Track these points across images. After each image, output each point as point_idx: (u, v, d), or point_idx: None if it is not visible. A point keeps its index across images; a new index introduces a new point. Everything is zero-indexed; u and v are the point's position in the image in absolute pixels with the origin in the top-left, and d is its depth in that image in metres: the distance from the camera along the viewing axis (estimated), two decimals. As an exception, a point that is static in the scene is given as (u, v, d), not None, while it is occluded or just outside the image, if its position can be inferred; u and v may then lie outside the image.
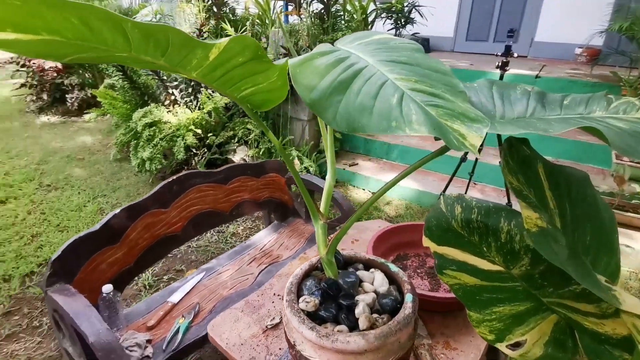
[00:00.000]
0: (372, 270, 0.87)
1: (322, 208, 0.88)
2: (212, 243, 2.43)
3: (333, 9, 3.46)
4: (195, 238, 2.46)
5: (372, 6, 3.94)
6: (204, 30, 3.27)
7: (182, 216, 1.52)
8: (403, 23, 3.81)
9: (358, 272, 0.84)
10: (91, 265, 1.26)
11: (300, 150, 3.25)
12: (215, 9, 4.23)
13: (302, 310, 0.74)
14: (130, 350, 1.18)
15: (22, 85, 4.78)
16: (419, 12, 3.85)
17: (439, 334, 0.97)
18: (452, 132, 0.52)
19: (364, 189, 3.13)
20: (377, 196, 0.80)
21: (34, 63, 4.70)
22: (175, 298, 1.44)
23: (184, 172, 1.52)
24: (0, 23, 0.39)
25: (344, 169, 3.20)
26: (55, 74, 4.78)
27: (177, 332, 1.28)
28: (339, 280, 0.80)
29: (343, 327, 0.71)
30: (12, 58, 4.62)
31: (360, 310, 0.73)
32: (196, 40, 0.50)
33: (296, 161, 3.15)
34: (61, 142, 3.97)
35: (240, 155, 3.16)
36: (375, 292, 0.80)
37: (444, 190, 2.17)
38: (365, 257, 0.90)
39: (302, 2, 3.20)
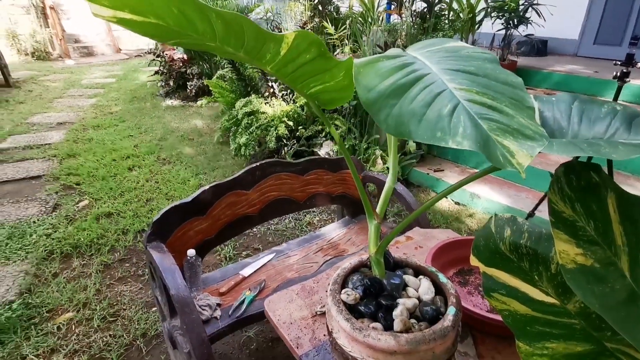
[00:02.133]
0: (420, 277, 0.86)
1: (378, 208, 0.90)
2: (288, 229, 2.59)
3: (437, 8, 3.34)
4: (275, 222, 2.65)
5: (482, 4, 3.69)
6: (306, 28, 3.44)
7: (260, 199, 1.67)
8: (515, 23, 3.48)
9: (405, 277, 0.84)
10: (181, 230, 1.47)
11: (385, 150, 3.23)
12: (320, 8, 4.41)
13: (343, 302, 0.78)
14: (203, 309, 1.36)
15: (156, 72, 5.63)
16: (536, 11, 3.48)
17: (489, 357, 0.92)
18: (500, 149, 0.51)
19: (447, 198, 2.99)
20: (435, 199, 0.79)
21: (166, 54, 5.50)
22: (246, 272, 1.60)
23: (266, 160, 1.66)
24: (121, 5, 0.51)
25: (428, 174, 3.10)
26: (181, 64, 5.51)
27: (242, 302, 1.42)
28: (383, 280, 0.82)
29: (378, 325, 0.73)
30: (150, 49, 5.47)
31: (398, 313, 0.74)
32: (267, 32, 0.56)
33: (379, 160, 3.15)
34: (178, 123, 4.59)
35: (325, 150, 3.28)
36: (418, 298, 0.80)
37: (533, 210, 1.97)
38: (417, 263, 0.89)
39: (404, 0, 3.15)
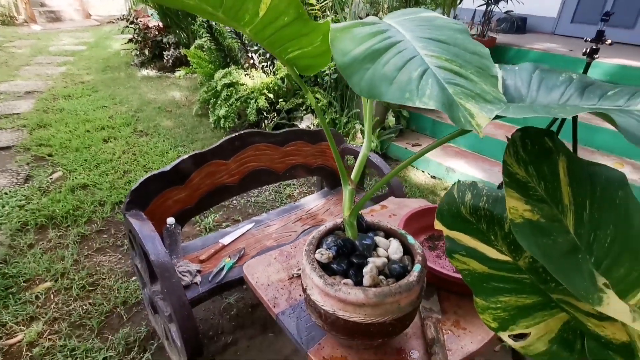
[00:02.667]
0: (391, 239, 0.92)
1: (353, 174, 0.94)
2: (268, 201, 2.62)
3: (419, -19, 3.30)
4: (255, 194, 2.67)
5: (465, -22, 3.66)
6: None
7: (239, 170, 1.68)
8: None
9: (376, 238, 0.89)
10: (160, 199, 1.47)
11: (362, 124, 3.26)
12: (302, -24, 4.27)
13: (317, 260, 0.82)
14: (183, 275, 1.39)
15: (130, 40, 5.39)
16: (515, -12, 3.50)
17: (452, 312, 0.99)
18: (462, 111, 0.54)
19: (423, 171, 3.07)
20: (402, 165, 0.83)
21: (140, 21, 5.25)
22: (226, 240, 1.63)
23: (246, 130, 1.66)
24: None
25: (406, 149, 3.16)
26: (156, 32, 5.29)
27: (222, 268, 1.46)
28: (356, 241, 0.87)
29: (349, 281, 0.78)
30: (123, 15, 5.21)
31: (368, 269, 0.79)
32: None
33: (359, 134, 3.18)
34: (155, 94, 4.46)
35: (306, 123, 3.28)
36: (388, 257, 0.86)
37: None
38: (388, 226, 0.94)
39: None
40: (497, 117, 0.61)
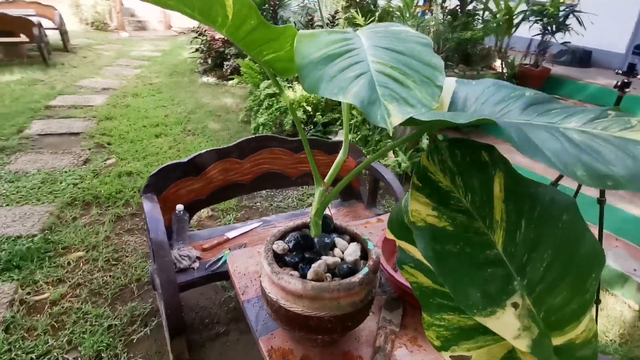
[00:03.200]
0: (355, 243, 0.94)
1: (327, 177, 0.98)
2: (290, 207, 2.71)
3: (470, 7, 3.28)
4: (279, 199, 2.77)
5: (522, 6, 3.57)
6: (336, 17, 3.50)
7: (253, 170, 1.78)
8: (553, 29, 3.35)
9: (336, 239, 0.92)
10: (175, 187, 1.61)
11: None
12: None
13: (273, 251, 0.87)
14: (182, 258, 1.50)
15: (196, 50, 5.89)
16: (577, 19, 3.33)
17: (412, 328, 0.98)
18: (382, 110, 0.58)
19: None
20: (364, 165, 0.87)
21: (207, 33, 5.74)
22: (231, 234, 1.73)
23: (263, 134, 1.77)
24: None
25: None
26: (220, 44, 5.74)
27: (220, 259, 1.55)
28: (315, 239, 0.90)
29: (295, 272, 0.82)
30: (194, 27, 5.72)
31: (316, 265, 0.82)
32: None
33: (390, 153, 3.18)
34: (210, 99, 4.82)
35: (339, 138, 3.35)
36: (342, 259, 0.88)
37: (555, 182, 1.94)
38: (354, 231, 0.97)
39: (435, -3, 3.13)
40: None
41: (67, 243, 2.14)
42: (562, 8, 3.28)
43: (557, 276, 0.63)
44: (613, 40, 4.03)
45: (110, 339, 1.61)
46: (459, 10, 3.21)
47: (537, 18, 3.37)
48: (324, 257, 0.86)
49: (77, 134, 3.54)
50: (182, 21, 10.42)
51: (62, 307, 1.74)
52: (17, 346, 1.54)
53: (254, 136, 1.74)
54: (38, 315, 1.70)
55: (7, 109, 3.92)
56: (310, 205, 2.76)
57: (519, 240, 0.63)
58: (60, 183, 2.69)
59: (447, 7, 3.25)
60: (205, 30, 5.69)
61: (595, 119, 0.56)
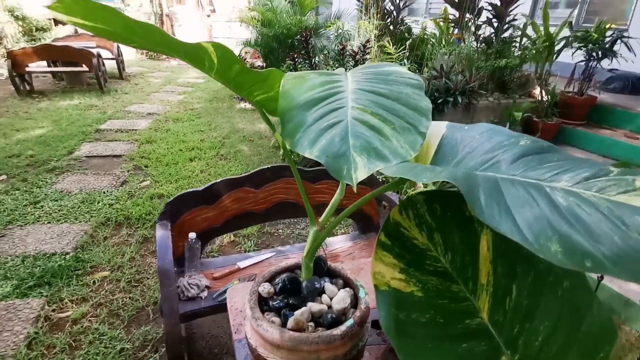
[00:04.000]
0: (347, 289, 0.89)
1: (323, 216, 0.95)
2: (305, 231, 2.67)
3: (506, 34, 3.18)
4: (301, 227, 2.75)
5: (565, 32, 3.40)
6: (368, 46, 3.53)
7: (267, 199, 1.78)
8: (599, 56, 3.15)
9: (325, 284, 0.87)
10: (190, 215, 1.65)
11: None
12: (391, 27, 4.47)
13: (258, 293, 0.84)
14: (191, 287, 1.50)
15: (236, 77, 6.18)
16: (626, 45, 3.11)
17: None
18: (350, 162, 0.55)
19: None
20: (366, 199, 0.83)
21: (247, 61, 6.01)
22: (243, 264, 1.72)
23: (278, 164, 1.78)
24: (72, 13, 0.64)
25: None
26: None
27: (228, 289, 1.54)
28: (304, 282, 0.86)
29: (277, 319, 0.78)
30: (234, 56, 6.03)
31: (299, 313, 0.78)
32: (178, 41, 0.66)
33: (419, 184, 3.08)
34: (245, 125, 4.98)
35: (367, 166, 3.30)
36: (330, 306, 0.83)
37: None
38: (347, 275, 0.92)
39: (469, 24, 3.06)
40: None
41: (96, 262, 2.24)
42: (609, 33, 3.08)
43: (557, 353, 0.55)
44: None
45: (121, 363, 1.63)
46: (494, 37, 3.11)
47: (581, 44, 3.19)
48: (309, 304, 0.81)
49: (119, 156, 3.78)
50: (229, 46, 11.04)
51: (82, 327, 1.80)
52: (36, 363, 1.61)
53: (269, 166, 1.75)
54: (59, 333, 1.77)
55: (63, 132, 4.28)
56: (332, 234, 2.71)
57: (509, 307, 0.56)
58: (98, 203, 2.86)
59: (481, 34, 3.16)
60: (244, 59, 5.96)
61: (592, 177, 0.49)
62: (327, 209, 0.95)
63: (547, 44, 3.30)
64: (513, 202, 0.45)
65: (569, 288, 0.55)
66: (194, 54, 0.71)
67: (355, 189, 0.51)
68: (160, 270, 1.31)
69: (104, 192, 3.03)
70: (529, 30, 3.40)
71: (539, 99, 3.43)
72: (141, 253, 2.37)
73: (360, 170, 0.53)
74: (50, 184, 3.13)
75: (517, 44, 3.30)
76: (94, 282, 2.10)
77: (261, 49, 5.64)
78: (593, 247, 0.39)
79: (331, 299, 0.85)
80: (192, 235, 1.58)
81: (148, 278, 2.16)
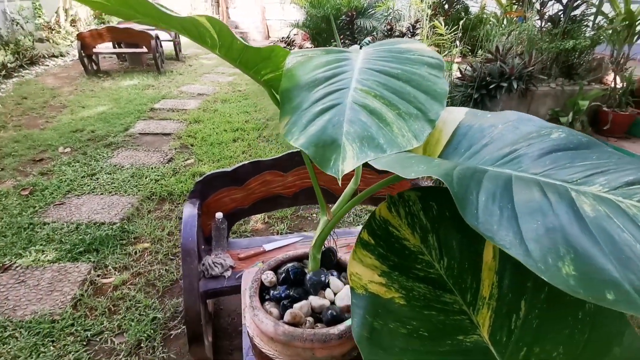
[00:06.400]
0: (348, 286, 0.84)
1: (335, 206, 0.90)
2: (346, 222, 2.63)
3: (578, 12, 2.82)
4: (330, 208, 2.71)
5: (651, 10, 2.94)
6: (416, 27, 3.33)
7: (296, 184, 1.76)
8: (694, 36, 2.69)
9: (330, 277, 0.83)
10: (219, 195, 1.67)
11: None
12: (446, 6, 4.18)
13: (260, 280, 0.82)
14: (215, 265, 1.53)
15: (284, 59, 6.18)
16: None
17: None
18: (339, 151, 0.49)
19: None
20: (358, 199, 0.77)
21: (296, 43, 5.97)
22: (268, 247, 1.72)
23: (308, 148, 1.74)
24: None
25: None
26: (306, 54, 5.93)
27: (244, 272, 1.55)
28: (309, 274, 0.83)
29: (275, 310, 0.76)
30: (282, 37, 6.00)
31: (298, 306, 0.75)
32: (173, 15, 0.63)
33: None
34: (290, 107, 4.99)
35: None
36: (332, 302, 0.79)
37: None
38: (357, 270, 0.86)
39: (533, 0, 2.75)
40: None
41: (139, 234, 2.38)
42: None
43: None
44: None
45: (152, 331, 1.72)
46: (562, 15, 2.77)
47: (670, 23, 2.75)
48: (311, 298, 0.77)
49: (168, 134, 3.96)
50: (280, 32, 11.08)
51: (121, 293, 1.93)
52: (79, 322, 1.75)
53: (297, 150, 1.71)
54: (101, 297, 1.91)
55: (121, 110, 4.57)
56: (358, 216, 2.64)
57: (515, 326, 0.48)
58: (145, 178, 3.02)
59: (545, 12, 2.84)
60: (293, 41, 5.93)
61: (638, 182, 0.39)
62: (340, 199, 0.90)
63: (627, 22, 2.88)
64: (522, 208, 0.37)
65: (593, 311, 0.46)
66: (192, 29, 0.67)
67: (339, 182, 0.46)
68: (183, 247, 1.34)
69: (152, 168, 3.19)
70: (606, 8, 2.99)
71: (612, 86, 3.03)
72: (180, 228, 2.47)
73: (348, 160, 0.47)
74: (107, 158, 3.36)
75: (590, 23, 2.92)
76: (135, 252, 2.23)
77: (310, 31, 5.57)
78: (620, 275, 0.30)
79: (335, 294, 0.80)
80: (219, 215, 1.60)
81: (184, 252, 2.25)
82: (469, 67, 2.82)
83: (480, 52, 3.14)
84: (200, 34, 0.68)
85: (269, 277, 0.82)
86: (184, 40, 8.45)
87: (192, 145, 3.70)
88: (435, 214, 0.49)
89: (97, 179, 3.02)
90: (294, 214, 2.68)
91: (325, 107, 0.56)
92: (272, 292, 0.80)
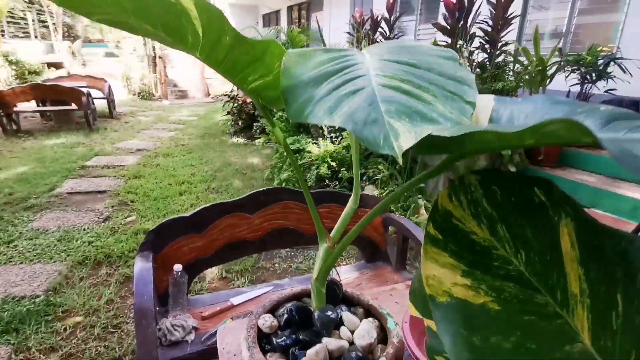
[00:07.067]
0: (370, 319, 0.70)
1: (333, 231, 0.79)
2: (311, 269, 2.46)
3: (499, 59, 3.18)
4: (299, 260, 2.54)
5: (556, 57, 3.43)
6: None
7: (263, 226, 1.60)
8: (593, 78, 3.15)
9: (343, 313, 0.69)
10: (176, 244, 1.45)
11: (430, 201, 3.00)
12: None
13: (257, 327, 0.66)
14: (175, 329, 1.28)
15: (228, 113, 6.14)
16: (620, 67, 3.12)
17: None
18: (386, 129, 0.40)
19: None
20: (376, 210, 0.67)
21: (240, 97, 6.00)
22: (236, 300, 1.50)
23: (274, 186, 1.62)
24: None
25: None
26: (251, 106, 5.96)
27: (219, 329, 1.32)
28: (315, 312, 0.68)
29: (284, 362, 0.59)
30: (226, 92, 6.03)
31: (313, 352, 0.59)
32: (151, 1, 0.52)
33: (422, 210, 2.92)
34: (237, 158, 4.86)
35: (367, 193, 3.15)
36: (351, 342, 0.64)
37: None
38: (369, 302, 0.74)
39: (461, 50, 3.07)
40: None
41: (68, 306, 1.99)
42: (601, 55, 3.11)
43: None
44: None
45: None
46: (488, 62, 3.11)
47: (574, 67, 3.20)
48: (325, 340, 0.63)
49: (103, 192, 3.58)
50: (221, 87, 11.20)
51: (46, 383, 1.53)
52: None
53: (264, 189, 1.59)
54: (18, 392, 1.49)
55: (46, 169, 4.09)
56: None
57: (617, 327, 0.39)
58: (76, 241, 2.62)
59: (474, 60, 3.16)
60: (237, 95, 5.96)
61: None
62: (338, 222, 0.79)
63: (540, 68, 3.31)
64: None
65: None
66: (172, 20, 0.57)
67: (400, 160, 0.36)
68: (137, 308, 1.10)
69: (84, 229, 2.80)
70: (521, 57, 3.42)
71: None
72: (121, 294, 2.12)
73: (404, 136, 0.38)
74: (27, 222, 2.90)
75: (511, 69, 3.31)
76: (65, 328, 1.84)
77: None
78: None
79: (352, 332, 0.66)
80: (178, 267, 1.38)
81: (127, 322, 1.90)
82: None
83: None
84: (179, 29, 0.58)
85: (267, 321, 0.66)
86: (119, 97, 8.13)
87: (132, 201, 3.36)
88: (499, 200, 0.40)
89: (16, 246, 2.55)
90: (255, 265, 2.46)
91: (350, 91, 0.47)
92: (274, 339, 0.63)
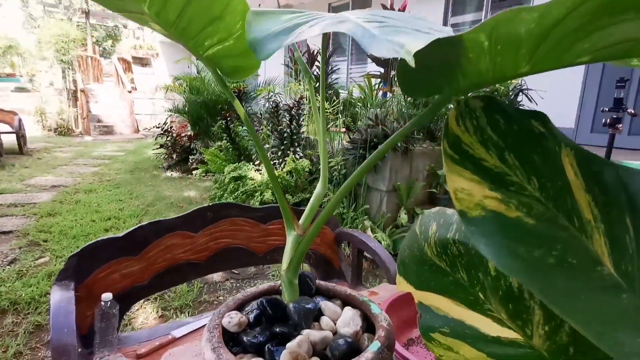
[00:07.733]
0: (347, 307, 0.62)
1: (302, 218, 0.71)
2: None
3: (428, 89, 3.45)
4: (239, 287, 2.35)
5: (474, 91, 3.81)
6: (301, 103, 3.55)
7: (209, 245, 1.45)
8: (507, 106, 3.54)
9: (322, 303, 0.60)
10: (105, 270, 1.24)
11: (375, 222, 3.03)
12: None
13: (223, 328, 0.54)
14: (103, 371, 1.06)
15: (161, 146, 5.80)
16: (527, 96, 3.57)
17: None
18: (388, 43, 0.36)
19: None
20: (342, 192, 0.61)
21: (174, 130, 5.74)
22: (178, 332, 1.30)
23: (221, 202, 1.49)
24: None
25: (421, 249, 2.83)
26: (186, 139, 5.71)
27: (160, 367, 1.11)
28: (289, 305, 0.59)
29: (259, 360, 0.49)
30: (158, 124, 5.72)
31: (294, 344, 0.50)
32: None
33: (368, 232, 2.93)
34: (172, 192, 4.54)
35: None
36: (335, 332, 0.56)
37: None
38: (346, 292, 0.66)
39: (394, 79, 3.28)
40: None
41: (-46, 368, 1.58)
42: (511, 87, 3.52)
43: None
44: (562, 116, 4.35)
45: None
46: (418, 91, 3.35)
47: (490, 97, 3.58)
48: (305, 332, 0.53)
49: (8, 232, 3.06)
50: (150, 123, 10.65)
51: None
52: None
53: (210, 204, 1.46)
54: None
55: None
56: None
57: (633, 250, 0.37)
58: (-29, 289, 2.16)
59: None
60: (171, 127, 5.69)
61: None
62: (307, 207, 0.72)
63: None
64: None
65: None
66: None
67: (412, 63, 0.32)
68: (55, 344, 0.89)
69: (-18, 275, 2.33)
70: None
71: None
72: (31, 345, 1.75)
73: (409, 44, 0.34)
74: None
75: (438, 98, 3.60)
76: (-53, 398, 1.44)
77: (189, 116, 5.46)
78: None
79: (334, 322, 0.58)
80: (107, 296, 1.16)
81: (37, 380, 1.56)
82: (357, 133, 3.07)
83: (359, 123, 3.50)
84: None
85: (234, 318, 0.54)
86: (32, 133, 7.31)
87: (45, 240, 2.91)
88: (503, 128, 0.38)
89: None
90: (197, 299, 2.21)
91: (335, 21, 0.43)
92: (244, 338, 0.52)
